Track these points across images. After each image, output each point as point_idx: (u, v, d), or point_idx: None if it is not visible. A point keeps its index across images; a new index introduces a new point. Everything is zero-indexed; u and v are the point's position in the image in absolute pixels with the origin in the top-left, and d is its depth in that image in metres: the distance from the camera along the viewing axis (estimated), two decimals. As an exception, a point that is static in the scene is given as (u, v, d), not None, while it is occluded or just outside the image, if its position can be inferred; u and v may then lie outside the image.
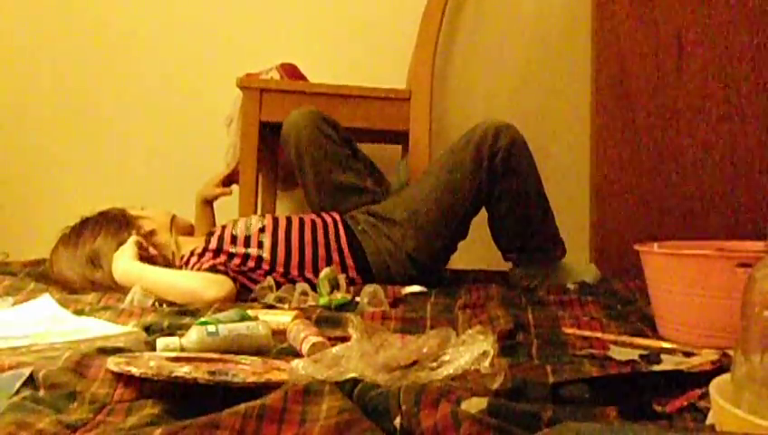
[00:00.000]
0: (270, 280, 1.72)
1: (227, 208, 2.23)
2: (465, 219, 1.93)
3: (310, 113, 1.93)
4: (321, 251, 1.86)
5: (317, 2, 2.60)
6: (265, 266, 1.81)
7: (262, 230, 1.87)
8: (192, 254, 1.82)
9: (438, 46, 2.27)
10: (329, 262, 1.85)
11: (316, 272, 1.79)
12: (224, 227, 1.90)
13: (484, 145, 1.83)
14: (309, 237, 1.87)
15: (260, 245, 1.84)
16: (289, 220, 1.92)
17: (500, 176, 1.84)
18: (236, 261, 1.81)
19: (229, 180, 2.25)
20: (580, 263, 2.07)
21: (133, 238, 1.79)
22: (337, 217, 1.96)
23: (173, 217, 1.96)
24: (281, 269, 1.82)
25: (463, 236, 1.97)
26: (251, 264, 1.81)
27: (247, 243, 1.84)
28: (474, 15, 2.59)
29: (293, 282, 1.77)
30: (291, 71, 2.28)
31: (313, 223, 1.92)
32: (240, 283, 1.75)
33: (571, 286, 1.80)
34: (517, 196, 1.86)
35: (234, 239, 1.85)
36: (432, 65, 2.21)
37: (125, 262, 1.74)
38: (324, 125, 1.94)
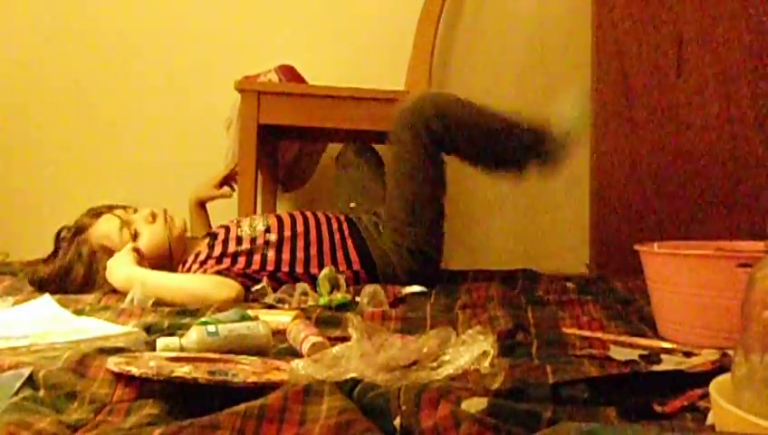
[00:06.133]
0: (265, 282, 1.71)
1: (226, 211, 2.23)
2: (434, 191, 1.92)
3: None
4: (326, 247, 1.87)
5: (315, 4, 2.61)
6: (270, 267, 1.80)
7: (267, 231, 1.86)
8: (195, 260, 1.81)
9: (437, 47, 2.27)
10: (333, 257, 1.86)
11: (321, 267, 1.79)
12: (227, 229, 1.89)
13: (417, 120, 1.87)
14: (314, 235, 1.88)
15: (266, 244, 1.84)
16: (293, 218, 1.92)
17: (440, 140, 1.87)
18: (241, 262, 1.80)
19: (225, 182, 2.25)
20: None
21: (129, 246, 1.77)
22: (341, 216, 1.98)
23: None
24: (286, 268, 1.82)
25: (442, 214, 1.95)
26: (255, 266, 1.80)
27: (253, 243, 1.84)
28: (472, 15, 2.59)
29: (297, 280, 1.77)
30: (289, 73, 2.28)
31: (317, 220, 1.92)
32: (245, 285, 1.74)
33: (570, 286, 1.80)
34: (468, 137, 1.91)
35: (239, 241, 1.84)
36: (430, 66, 2.21)
37: (126, 269, 1.72)
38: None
